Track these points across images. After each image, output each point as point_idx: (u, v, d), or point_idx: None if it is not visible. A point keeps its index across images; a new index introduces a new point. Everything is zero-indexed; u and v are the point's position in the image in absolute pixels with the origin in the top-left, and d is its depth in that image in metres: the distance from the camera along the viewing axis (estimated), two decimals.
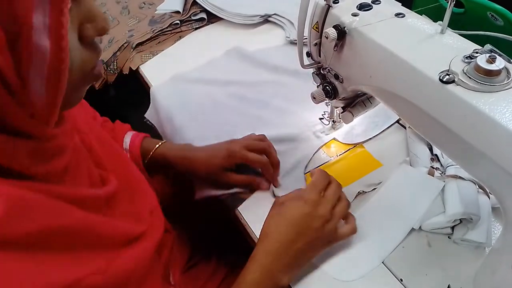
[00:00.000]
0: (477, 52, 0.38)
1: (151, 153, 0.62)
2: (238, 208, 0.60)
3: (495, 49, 0.39)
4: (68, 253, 0.32)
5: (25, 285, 0.28)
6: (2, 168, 0.30)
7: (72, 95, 0.33)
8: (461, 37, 0.42)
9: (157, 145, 0.62)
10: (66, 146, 0.37)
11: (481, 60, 0.36)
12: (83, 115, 0.49)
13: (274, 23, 0.95)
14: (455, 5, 1.03)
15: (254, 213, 0.58)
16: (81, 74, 0.33)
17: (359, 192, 0.59)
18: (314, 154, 0.66)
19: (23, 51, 0.27)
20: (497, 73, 0.36)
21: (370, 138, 0.67)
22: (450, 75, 0.38)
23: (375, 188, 0.60)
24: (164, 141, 0.65)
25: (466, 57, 0.38)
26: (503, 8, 0.92)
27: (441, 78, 0.38)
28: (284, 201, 0.52)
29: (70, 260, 0.32)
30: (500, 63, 0.36)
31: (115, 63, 0.91)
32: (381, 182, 0.60)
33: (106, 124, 0.65)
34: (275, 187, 0.61)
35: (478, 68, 0.36)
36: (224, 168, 0.60)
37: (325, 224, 0.50)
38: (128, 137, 0.63)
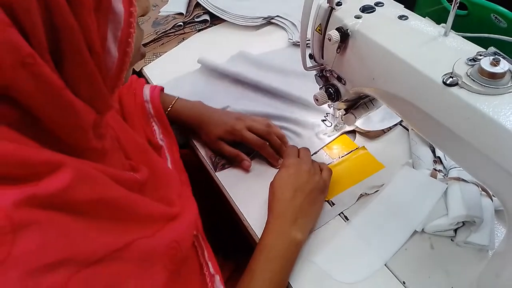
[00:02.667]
0: (480, 55, 0.38)
1: (169, 108, 0.68)
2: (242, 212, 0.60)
3: (498, 51, 0.39)
4: (119, 223, 0.34)
5: (85, 245, 0.30)
6: (68, 147, 0.33)
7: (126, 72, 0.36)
8: (465, 39, 0.42)
9: (174, 102, 0.68)
10: (107, 131, 0.40)
11: (485, 63, 0.36)
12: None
13: (277, 25, 0.95)
14: (458, 7, 1.03)
15: (257, 219, 0.58)
16: (134, 52, 0.35)
17: (361, 194, 0.59)
18: (316, 153, 0.66)
19: (104, 14, 0.31)
20: (501, 75, 0.36)
21: (389, 128, 0.68)
22: (454, 78, 0.38)
23: (377, 191, 0.60)
24: (178, 97, 0.70)
25: (470, 60, 0.38)
26: (507, 10, 0.92)
27: (444, 80, 0.38)
28: (274, 178, 0.57)
29: (121, 228, 0.34)
30: (504, 65, 0.36)
31: None
32: (383, 185, 0.60)
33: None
34: (274, 167, 0.65)
35: (482, 71, 0.36)
36: (221, 138, 0.66)
37: (312, 176, 0.56)
38: (147, 89, 0.68)
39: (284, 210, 0.53)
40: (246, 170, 0.65)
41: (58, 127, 0.32)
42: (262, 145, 0.64)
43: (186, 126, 0.69)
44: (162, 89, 0.70)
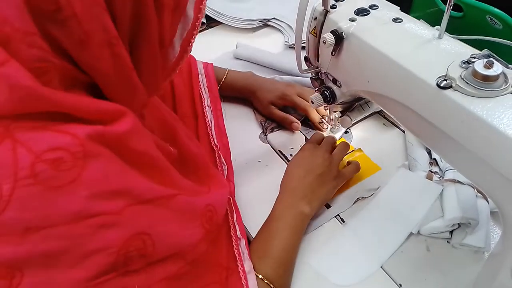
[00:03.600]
0: (474, 57, 0.38)
1: (223, 79, 0.74)
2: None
3: (492, 54, 0.39)
4: (160, 178, 0.37)
5: (140, 184, 0.34)
6: None
7: None
8: (459, 41, 0.42)
9: (226, 73, 0.75)
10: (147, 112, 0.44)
11: (479, 66, 0.36)
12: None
13: (273, 27, 0.95)
14: (454, 9, 1.04)
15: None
16: None
17: (358, 198, 0.59)
18: None
19: (179, 15, 0.36)
20: (494, 78, 0.36)
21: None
22: (448, 81, 0.38)
23: (373, 194, 0.60)
24: (228, 69, 0.75)
25: (464, 62, 0.38)
26: (502, 12, 0.92)
27: (438, 83, 0.38)
28: (291, 159, 0.62)
29: (164, 181, 0.37)
30: (497, 68, 0.36)
31: None
32: (379, 187, 0.60)
33: None
34: (321, 131, 0.70)
35: (476, 74, 0.36)
36: (272, 103, 0.71)
37: (325, 161, 0.58)
38: (200, 64, 0.73)
39: (294, 186, 0.56)
40: (296, 130, 0.70)
41: (117, 99, 0.35)
42: (309, 108, 0.69)
43: (240, 94, 0.75)
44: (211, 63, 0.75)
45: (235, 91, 0.75)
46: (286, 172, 0.59)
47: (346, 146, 0.63)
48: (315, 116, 0.69)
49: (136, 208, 0.33)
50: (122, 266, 0.32)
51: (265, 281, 0.47)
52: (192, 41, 0.38)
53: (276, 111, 0.71)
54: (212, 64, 0.74)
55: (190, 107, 0.68)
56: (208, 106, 0.68)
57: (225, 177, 0.60)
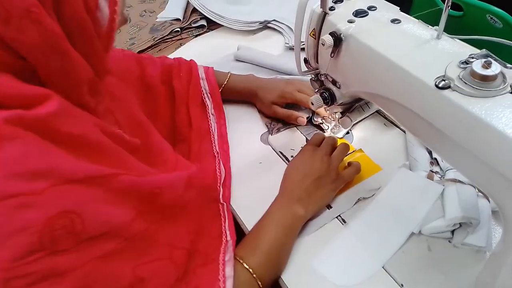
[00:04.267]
0: (472, 57, 0.38)
1: (225, 83, 0.74)
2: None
3: (490, 53, 0.39)
4: (99, 160, 0.37)
5: (67, 163, 0.33)
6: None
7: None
8: (457, 41, 0.43)
9: (228, 77, 0.75)
10: (104, 98, 0.43)
11: (477, 66, 0.37)
12: (121, 88, 0.54)
13: (274, 29, 0.96)
14: (454, 9, 1.04)
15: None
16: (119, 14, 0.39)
17: (359, 199, 0.59)
18: None
19: None
20: (492, 78, 0.36)
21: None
22: (446, 81, 0.38)
23: (374, 194, 0.60)
24: (230, 72, 0.76)
25: (462, 63, 0.38)
26: (502, 11, 0.92)
27: (437, 84, 0.38)
28: (290, 161, 0.63)
29: (105, 162, 0.37)
30: (495, 68, 0.36)
31: None
32: (380, 187, 0.60)
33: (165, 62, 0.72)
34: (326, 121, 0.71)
35: (474, 74, 0.36)
36: (274, 103, 0.72)
37: (324, 164, 0.59)
38: (201, 68, 0.74)
39: (291, 189, 0.57)
40: (303, 124, 0.71)
41: (55, 77, 0.35)
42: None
43: (242, 97, 0.76)
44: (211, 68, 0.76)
45: (237, 94, 0.75)
46: (285, 174, 0.60)
47: (346, 147, 0.63)
48: (320, 109, 0.70)
49: (61, 188, 0.32)
50: (49, 246, 0.31)
51: (250, 271, 0.48)
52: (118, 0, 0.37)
53: (279, 110, 0.71)
54: (212, 68, 0.75)
55: (187, 113, 0.68)
56: (212, 115, 0.70)
57: (221, 183, 0.60)
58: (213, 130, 0.68)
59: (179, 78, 0.70)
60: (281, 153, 0.68)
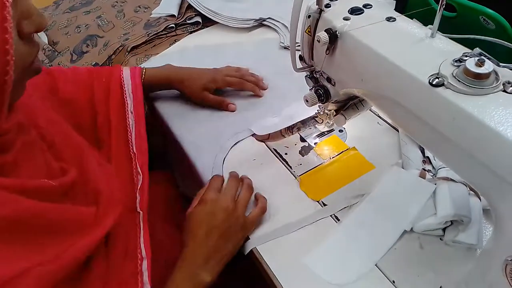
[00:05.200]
0: (466, 56, 0.39)
1: (142, 79, 0.72)
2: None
3: (484, 52, 0.39)
4: (17, 244, 0.34)
5: None
6: None
7: (14, 89, 0.35)
8: (451, 40, 0.43)
9: (143, 72, 0.73)
10: (15, 141, 0.39)
11: (470, 64, 0.37)
12: (44, 110, 0.52)
13: (269, 27, 0.96)
14: (448, 9, 1.04)
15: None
16: (22, 68, 0.35)
17: (345, 207, 0.59)
18: (306, 154, 0.66)
19: None
20: (485, 76, 0.36)
21: (291, 131, 0.70)
22: (440, 79, 0.38)
23: (364, 194, 0.60)
24: (143, 67, 0.74)
25: (456, 61, 0.39)
26: (495, 12, 0.93)
27: (430, 81, 0.38)
28: (190, 211, 0.56)
29: (19, 250, 0.34)
30: (489, 66, 0.37)
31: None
32: (365, 194, 0.59)
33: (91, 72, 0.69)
34: (262, 89, 0.78)
35: (467, 72, 0.37)
36: (204, 89, 0.74)
37: (231, 214, 0.54)
38: (127, 70, 0.71)
39: (194, 253, 0.52)
40: (233, 111, 0.74)
41: None
42: (242, 82, 0.76)
43: (164, 87, 0.76)
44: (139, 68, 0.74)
45: (159, 85, 0.76)
46: (187, 226, 0.54)
47: (249, 186, 0.59)
48: (249, 85, 0.76)
49: None
50: None
51: None
52: (9, 68, 0.32)
53: (210, 96, 0.74)
54: (140, 68, 0.73)
55: (106, 116, 0.66)
56: (131, 112, 0.67)
57: (139, 187, 0.58)
58: (131, 129, 0.65)
59: (101, 83, 0.68)
60: (275, 150, 0.68)
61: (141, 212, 0.55)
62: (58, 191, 0.41)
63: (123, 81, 0.69)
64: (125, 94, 0.68)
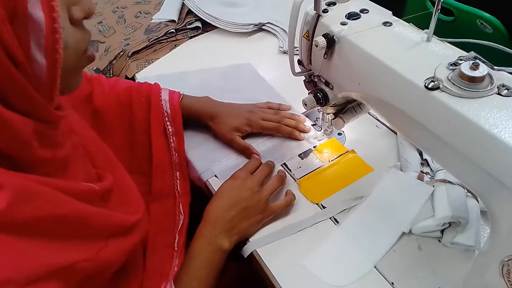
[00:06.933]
0: (461, 59, 0.39)
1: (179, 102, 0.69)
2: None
3: (478, 56, 0.40)
4: (64, 240, 0.35)
5: (25, 265, 0.31)
6: (12, 160, 0.33)
7: (70, 77, 0.36)
8: (447, 44, 0.44)
9: (181, 96, 0.70)
10: (65, 140, 0.40)
11: (465, 67, 0.38)
12: (77, 118, 0.52)
13: (268, 31, 0.96)
14: (445, 13, 1.05)
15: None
16: (76, 54, 0.36)
17: (344, 209, 0.59)
18: (306, 157, 0.67)
19: (21, 23, 0.30)
20: (480, 79, 0.37)
21: None
22: (435, 82, 0.39)
23: (363, 197, 0.60)
24: (182, 93, 0.71)
25: (451, 64, 0.39)
26: (492, 16, 0.94)
27: (426, 85, 0.39)
28: (220, 185, 0.60)
29: (66, 246, 0.35)
30: (483, 69, 0.37)
31: (111, 71, 0.92)
32: (363, 197, 0.60)
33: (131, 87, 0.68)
34: (304, 132, 0.70)
35: (462, 75, 0.37)
36: (236, 131, 0.68)
37: (254, 195, 0.57)
38: (165, 91, 0.69)
39: (216, 219, 0.55)
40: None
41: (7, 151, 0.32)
42: (279, 128, 0.69)
43: (196, 119, 0.70)
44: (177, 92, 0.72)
45: (190, 116, 0.70)
46: (211, 200, 0.57)
47: (280, 179, 0.61)
48: (287, 130, 0.69)
49: None
50: None
51: None
52: (58, 46, 0.32)
53: (238, 140, 0.68)
54: (178, 93, 0.70)
55: (148, 144, 0.66)
56: (173, 140, 0.67)
57: (178, 229, 0.60)
58: (175, 164, 0.66)
59: (140, 103, 0.66)
60: None
61: (178, 250, 0.58)
62: (98, 196, 0.43)
63: (162, 103, 0.67)
64: (166, 120, 0.67)
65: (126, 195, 0.50)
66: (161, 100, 0.67)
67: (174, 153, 0.66)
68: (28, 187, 0.32)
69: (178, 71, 0.87)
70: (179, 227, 0.60)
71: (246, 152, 0.68)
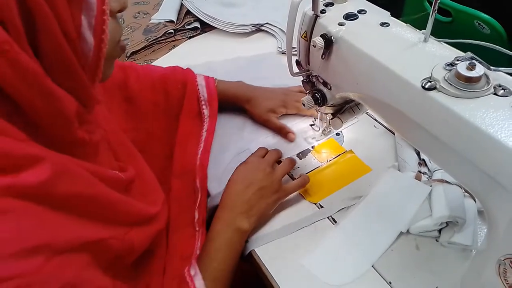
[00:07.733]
0: (458, 60, 0.40)
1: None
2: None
3: (475, 56, 0.40)
4: (93, 219, 0.37)
5: (61, 235, 0.33)
6: (52, 140, 0.35)
7: (105, 65, 0.37)
8: (444, 44, 0.44)
9: (216, 82, 0.72)
10: (96, 128, 0.42)
11: (462, 67, 0.38)
12: (101, 111, 0.53)
13: (267, 32, 0.97)
14: (443, 14, 1.06)
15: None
16: (111, 44, 0.37)
17: (342, 209, 0.59)
18: (304, 156, 0.67)
19: (77, 2, 0.32)
20: (476, 79, 0.37)
21: None
22: (432, 82, 0.39)
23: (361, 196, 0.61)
24: (216, 78, 0.73)
25: (448, 65, 0.39)
26: (489, 17, 0.95)
27: (423, 85, 0.39)
28: (233, 173, 0.61)
29: (95, 224, 0.38)
30: (479, 70, 0.38)
31: None
32: (361, 196, 0.60)
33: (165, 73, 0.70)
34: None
35: (459, 75, 0.38)
36: (271, 112, 0.71)
37: (267, 175, 0.59)
38: (201, 77, 0.72)
39: (233, 202, 0.57)
40: (292, 141, 0.70)
41: (42, 116, 0.33)
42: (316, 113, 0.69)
43: (231, 104, 0.73)
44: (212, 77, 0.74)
45: (226, 100, 0.73)
46: (227, 186, 0.59)
47: (291, 161, 0.63)
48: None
49: (58, 260, 0.31)
50: None
51: None
52: (105, 27, 0.34)
53: (274, 120, 0.71)
54: (213, 78, 0.73)
55: (176, 121, 0.68)
56: (206, 119, 0.70)
57: (199, 202, 0.61)
58: (202, 141, 0.67)
59: (176, 90, 0.68)
60: None
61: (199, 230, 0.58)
62: (124, 184, 0.45)
63: (199, 87, 0.70)
64: (202, 104, 0.70)
65: (146, 186, 0.52)
66: (197, 85, 0.70)
67: (203, 132, 0.68)
68: (65, 164, 0.34)
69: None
70: (198, 203, 0.61)
71: (282, 132, 0.70)
